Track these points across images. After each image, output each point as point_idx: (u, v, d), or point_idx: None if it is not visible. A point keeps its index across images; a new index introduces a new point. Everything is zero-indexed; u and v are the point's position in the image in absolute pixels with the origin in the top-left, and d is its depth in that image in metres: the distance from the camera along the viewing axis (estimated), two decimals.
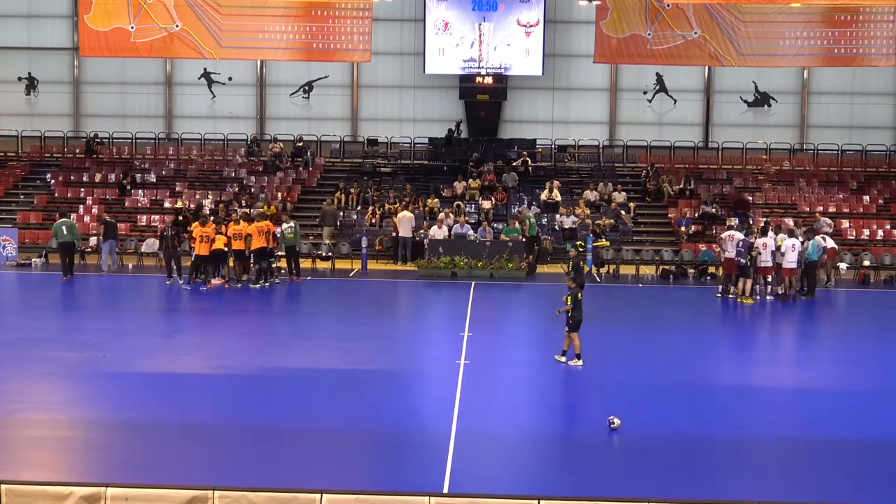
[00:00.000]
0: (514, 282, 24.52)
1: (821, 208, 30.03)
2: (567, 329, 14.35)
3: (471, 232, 27.49)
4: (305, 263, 26.45)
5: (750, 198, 31.30)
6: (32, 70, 37.66)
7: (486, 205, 30.39)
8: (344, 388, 12.97)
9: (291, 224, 24.48)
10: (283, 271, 24.36)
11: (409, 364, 14.90)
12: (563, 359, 14.38)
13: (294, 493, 8.44)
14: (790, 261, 21.59)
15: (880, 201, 31.90)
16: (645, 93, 36.85)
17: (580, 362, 14.31)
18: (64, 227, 24.02)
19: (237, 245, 22.46)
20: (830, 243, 24.16)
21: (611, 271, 26.43)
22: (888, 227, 29.93)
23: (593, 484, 9.32)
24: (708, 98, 36.99)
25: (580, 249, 27.31)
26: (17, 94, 37.67)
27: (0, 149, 36.28)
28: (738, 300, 21.38)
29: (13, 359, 14.42)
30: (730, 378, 14.20)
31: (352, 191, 31.57)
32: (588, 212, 29.94)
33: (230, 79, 37.30)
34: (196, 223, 23.02)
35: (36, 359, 14.39)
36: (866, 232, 29.72)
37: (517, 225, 27.21)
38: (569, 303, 14.28)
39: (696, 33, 30.25)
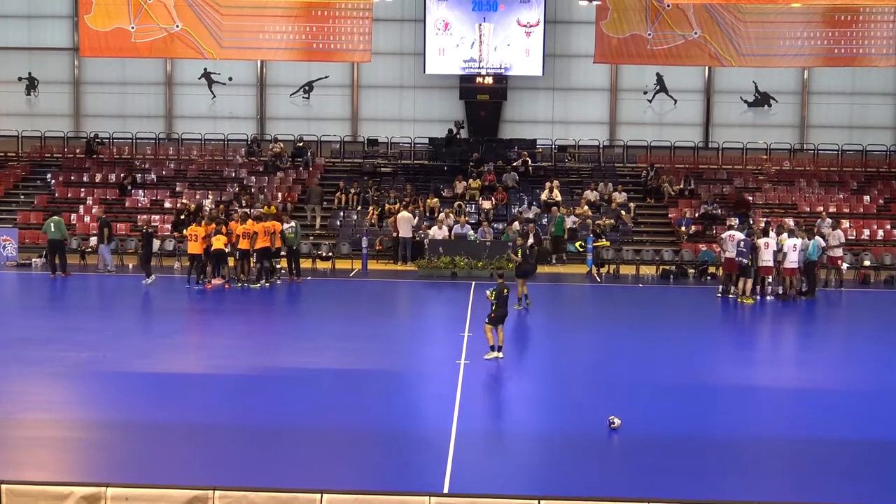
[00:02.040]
0: (514, 282, 24.47)
1: (821, 208, 30.02)
2: (486, 321, 14.52)
3: (471, 232, 27.49)
4: (305, 263, 26.42)
5: (750, 198, 31.28)
6: (32, 70, 37.62)
7: (487, 205, 30.38)
8: (344, 388, 12.98)
9: (293, 224, 24.56)
10: (283, 271, 24.40)
11: (409, 364, 14.91)
12: (499, 354, 14.45)
13: (294, 493, 8.44)
14: (791, 260, 21.59)
15: (880, 201, 31.87)
16: (645, 93, 36.81)
17: (500, 355, 14.43)
18: (52, 225, 24.19)
19: (244, 244, 22.56)
20: (838, 252, 23.90)
21: (611, 271, 26.41)
22: (888, 227, 29.90)
23: (593, 484, 9.32)
24: (708, 98, 36.96)
25: (580, 249, 27.49)
26: (18, 94, 37.61)
27: (0, 149, 36.26)
28: (739, 300, 21.38)
29: (13, 359, 14.43)
30: (730, 378, 14.20)
31: (352, 191, 31.56)
32: (589, 212, 29.94)
33: (230, 79, 37.26)
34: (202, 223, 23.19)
35: (36, 359, 14.39)
36: (866, 232, 29.68)
37: (513, 229, 27.13)
38: (492, 297, 14.47)
39: (696, 33, 30.22)
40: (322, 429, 11.07)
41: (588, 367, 15.03)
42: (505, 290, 14.70)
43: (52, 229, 24.07)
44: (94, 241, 27.47)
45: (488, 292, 14.75)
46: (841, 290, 23.83)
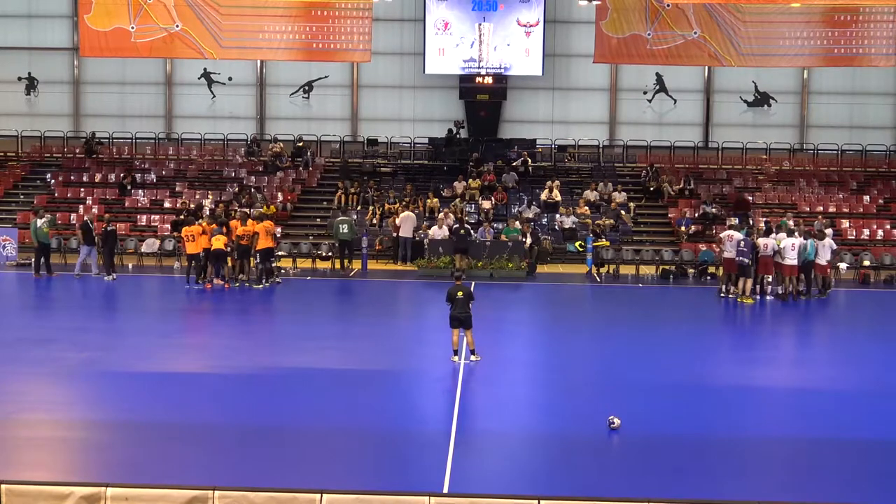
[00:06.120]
0: (514, 282, 24.52)
1: (821, 208, 29.98)
2: None
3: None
4: (305, 263, 26.51)
5: (750, 198, 31.29)
6: (32, 70, 37.61)
7: (486, 205, 30.38)
8: (344, 388, 12.98)
9: (344, 219, 26.24)
10: (283, 271, 24.44)
11: (409, 364, 14.92)
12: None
13: (294, 493, 8.43)
14: (790, 259, 21.58)
15: (880, 201, 31.86)
16: (645, 93, 36.81)
17: (455, 358, 14.36)
18: (37, 224, 24.38)
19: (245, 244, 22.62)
20: (823, 260, 23.25)
21: (611, 271, 26.41)
22: (888, 227, 29.89)
23: (593, 484, 9.33)
24: (708, 98, 36.95)
25: (580, 249, 27.49)
26: (17, 94, 37.60)
27: (0, 149, 36.26)
28: (739, 300, 21.38)
29: (13, 359, 14.43)
30: (730, 378, 14.20)
31: (352, 191, 31.55)
32: (588, 211, 29.94)
33: (230, 79, 37.25)
34: (202, 222, 23.17)
35: (36, 359, 14.39)
36: (866, 232, 29.67)
37: (517, 225, 27.21)
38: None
39: (695, 33, 30.22)
40: (322, 429, 11.07)
41: (588, 366, 15.02)
42: (459, 293, 14.21)
43: (37, 226, 24.25)
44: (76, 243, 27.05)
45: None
46: (841, 289, 23.74)
